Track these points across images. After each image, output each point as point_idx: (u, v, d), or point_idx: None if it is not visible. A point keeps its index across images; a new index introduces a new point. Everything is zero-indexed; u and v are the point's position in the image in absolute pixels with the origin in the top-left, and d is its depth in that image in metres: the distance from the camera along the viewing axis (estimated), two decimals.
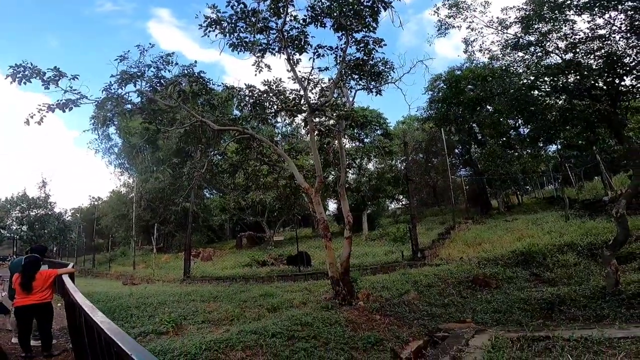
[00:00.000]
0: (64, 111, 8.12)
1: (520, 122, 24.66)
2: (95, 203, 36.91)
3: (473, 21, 11.42)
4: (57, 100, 8.00)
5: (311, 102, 10.48)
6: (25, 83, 7.40)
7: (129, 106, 9.08)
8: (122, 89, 8.96)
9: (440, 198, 35.24)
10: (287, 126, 26.42)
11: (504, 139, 24.37)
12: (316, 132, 11.61)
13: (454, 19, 11.58)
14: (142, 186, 28.65)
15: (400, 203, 38.61)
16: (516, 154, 27.32)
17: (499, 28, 10.97)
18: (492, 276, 9.39)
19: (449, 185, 31.53)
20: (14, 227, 34.83)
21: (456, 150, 31.37)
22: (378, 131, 25.43)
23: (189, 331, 6.96)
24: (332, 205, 32.95)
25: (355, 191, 23.56)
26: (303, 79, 10.02)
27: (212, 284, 13.96)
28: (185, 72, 9.41)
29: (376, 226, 25.87)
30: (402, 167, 30.39)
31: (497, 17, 11.04)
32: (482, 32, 11.79)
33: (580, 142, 15.21)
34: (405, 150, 18.47)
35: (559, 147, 25.92)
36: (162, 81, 9.19)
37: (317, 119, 11.94)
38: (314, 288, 10.66)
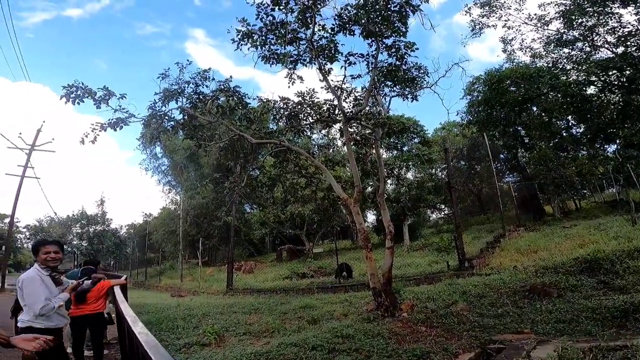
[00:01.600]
0: (115, 130, 8.64)
1: (572, 122, 22.97)
2: (147, 219, 39.21)
3: (509, 19, 10.89)
4: (109, 120, 8.55)
5: (346, 111, 10.42)
6: (78, 103, 7.87)
7: (172, 123, 9.53)
8: (165, 106, 9.48)
9: (487, 206, 33.41)
10: (324, 138, 26.63)
11: (556, 140, 22.69)
12: (352, 142, 11.49)
13: (488, 18, 11.11)
14: (188, 202, 29.97)
15: (442, 212, 37.14)
16: (570, 155, 25.32)
17: (539, 25, 10.36)
18: (553, 285, 8.57)
19: (495, 192, 29.82)
20: (75, 242, 37.94)
21: (501, 156, 29.69)
22: (415, 139, 24.80)
23: (231, 343, 6.98)
24: (370, 217, 32.40)
25: (394, 201, 22.97)
26: (336, 88, 10.00)
27: (254, 296, 14.07)
28: (222, 87, 9.77)
29: (418, 236, 24.97)
30: (443, 175, 29.30)
31: (535, 14, 10.45)
32: (520, 30, 11.21)
33: None
34: (446, 157, 17.74)
35: (618, 147, 23.75)
36: (201, 97, 9.60)
37: (353, 129, 11.84)
38: (355, 300, 10.37)
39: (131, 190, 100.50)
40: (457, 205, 20.82)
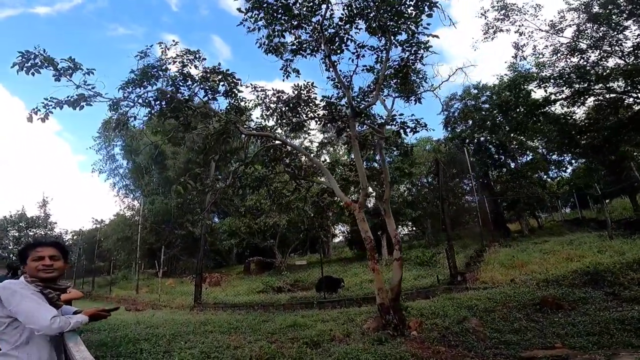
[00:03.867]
0: (74, 109, 7.24)
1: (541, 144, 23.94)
2: (98, 225, 35.49)
3: (522, 24, 10.80)
4: (68, 96, 7.12)
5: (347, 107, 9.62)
6: (33, 74, 6.52)
7: (155, 105, 8.20)
8: (143, 86, 8.18)
9: (454, 223, 33.98)
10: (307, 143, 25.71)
11: (528, 159, 23.33)
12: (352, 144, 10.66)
13: (503, 22, 10.96)
14: (148, 208, 27.43)
15: (407, 229, 37.26)
16: (535, 175, 26.46)
17: (551, 32, 10.32)
18: (562, 298, 8.22)
19: (460, 210, 30.19)
20: (11, 247, 33.39)
21: (472, 173, 30.54)
22: (395, 152, 24.65)
23: None
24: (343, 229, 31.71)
25: (372, 214, 22.38)
26: (345, 79, 9.17)
27: (227, 312, 12.50)
28: (213, 70, 8.61)
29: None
30: (414, 191, 29.35)
31: (551, 21, 10.42)
32: (532, 37, 11.18)
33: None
34: (437, 169, 17.40)
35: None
36: (187, 78, 8.38)
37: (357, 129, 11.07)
38: (351, 317, 9.32)
39: (82, 195, 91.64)
40: (437, 220, 20.64)
